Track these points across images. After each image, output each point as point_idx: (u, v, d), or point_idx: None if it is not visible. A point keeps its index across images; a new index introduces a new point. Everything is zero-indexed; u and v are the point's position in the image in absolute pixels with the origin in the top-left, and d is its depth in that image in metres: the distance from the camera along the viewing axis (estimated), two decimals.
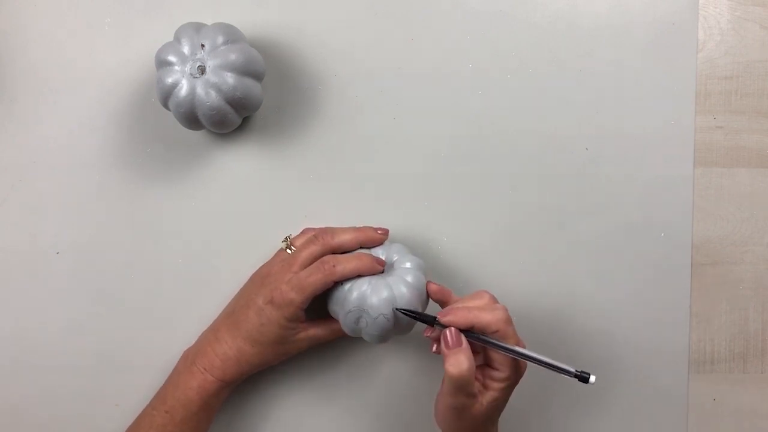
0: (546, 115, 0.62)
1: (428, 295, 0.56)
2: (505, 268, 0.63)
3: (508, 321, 0.52)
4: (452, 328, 0.51)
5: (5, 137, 0.61)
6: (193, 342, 0.59)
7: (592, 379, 0.50)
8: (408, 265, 0.55)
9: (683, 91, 0.63)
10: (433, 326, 0.53)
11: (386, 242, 0.58)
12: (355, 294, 0.53)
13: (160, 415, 0.56)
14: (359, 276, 0.54)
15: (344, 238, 0.56)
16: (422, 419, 0.63)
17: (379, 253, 0.56)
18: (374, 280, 0.54)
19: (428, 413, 0.62)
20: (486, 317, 0.51)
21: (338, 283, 0.54)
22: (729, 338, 0.64)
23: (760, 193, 0.64)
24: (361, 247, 0.57)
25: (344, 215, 0.62)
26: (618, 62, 0.62)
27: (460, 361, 0.50)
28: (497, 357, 0.52)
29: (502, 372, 0.52)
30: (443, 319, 0.52)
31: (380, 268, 0.55)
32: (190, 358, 0.57)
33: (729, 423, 0.64)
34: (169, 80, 0.55)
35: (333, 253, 0.56)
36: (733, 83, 0.63)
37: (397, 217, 0.62)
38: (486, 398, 0.52)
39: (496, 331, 0.51)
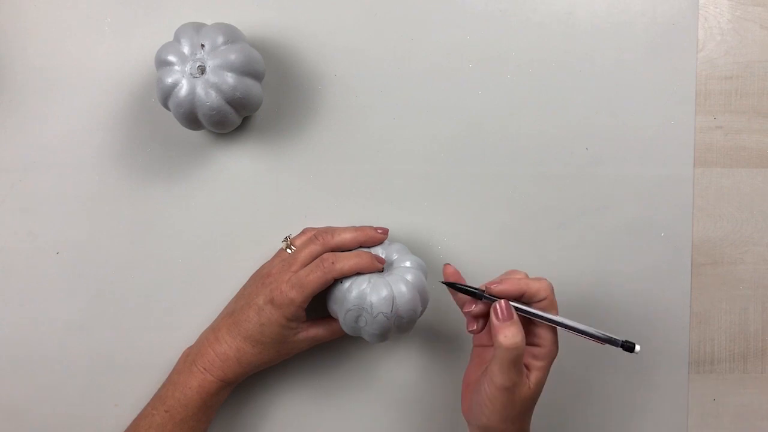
0: (546, 115, 0.62)
1: (444, 279, 0.55)
2: (505, 267, 0.62)
3: (553, 290, 0.52)
4: (503, 300, 0.51)
5: (5, 137, 0.61)
6: (193, 342, 0.59)
7: (638, 348, 0.51)
8: (408, 264, 0.55)
9: (683, 91, 0.63)
10: (481, 299, 0.53)
11: (386, 242, 0.58)
12: (354, 292, 0.53)
13: (160, 414, 0.56)
14: (359, 274, 0.54)
15: (344, 238, 0.56)
16: (422, 419, 0.63)
17: (379, 252, 0.56)
18: (374, 278, 0.54)
19: (428, 412, 0.62)
20: (534, 285, 0.52)
21: (338, 281, 0.54)
22: (729, 338, 0.64)
23: (760, 193, 0.64)
24: (361, 247, 0.57)
25: (344, 215, 0.62)
26: (618, 62, 0.62)
27: (513, 332, 0.50)
28: (541, 332, 0.52)
29: (544, 347, 0.52)
30: (496, 288, 0.52)
31: (380, 266, 0.55)
32: (190, 357, 0.57)
33: (729, 423, 0.64)
34: (169, 80, 0.55)
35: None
36: (733, 83, 0.63)
37: (397, 216, 0.62)
38: (532, 379, 0.52)
39: (544, 299, 0.52)
